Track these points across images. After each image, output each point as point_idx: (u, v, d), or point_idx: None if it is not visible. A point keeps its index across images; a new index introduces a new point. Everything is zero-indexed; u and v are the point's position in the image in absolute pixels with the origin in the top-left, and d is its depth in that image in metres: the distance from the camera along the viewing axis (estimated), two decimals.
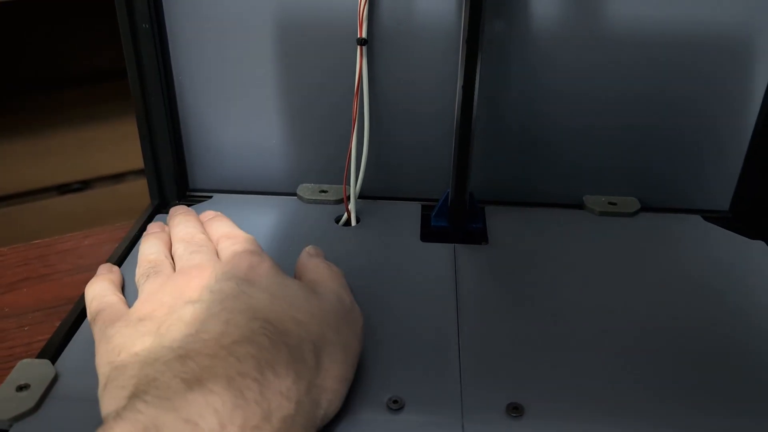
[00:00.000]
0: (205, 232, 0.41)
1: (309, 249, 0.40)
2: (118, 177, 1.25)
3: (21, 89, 1.18)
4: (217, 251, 0.38)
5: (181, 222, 0.42)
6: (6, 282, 0.50)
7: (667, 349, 0.36)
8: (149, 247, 0.40)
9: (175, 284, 0.34)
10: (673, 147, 0.49)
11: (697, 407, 0.33)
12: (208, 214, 0.44)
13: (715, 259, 0.45)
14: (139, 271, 0.39)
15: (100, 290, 0.38)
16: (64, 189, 1.20)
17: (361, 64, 0.45)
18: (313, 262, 0.38)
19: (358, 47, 0.44)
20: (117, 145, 1.17)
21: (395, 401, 0.32)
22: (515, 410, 0.32)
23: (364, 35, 0.44)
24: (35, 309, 0.47)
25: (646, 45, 0.45)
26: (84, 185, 1.22)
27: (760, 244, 0.46)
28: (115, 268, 0.41)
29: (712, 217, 0.49)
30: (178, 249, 0.39)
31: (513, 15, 0.45)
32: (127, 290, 0.41)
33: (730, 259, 0.45)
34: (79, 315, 0.39)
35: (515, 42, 0.46)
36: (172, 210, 0.45)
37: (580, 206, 0.50)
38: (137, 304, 0.34)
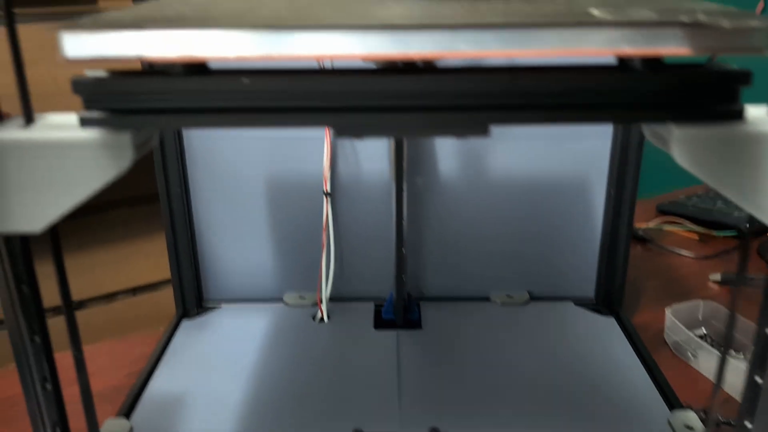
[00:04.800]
0: None
1: None
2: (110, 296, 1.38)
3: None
4: None
5: None
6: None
7: (550, 397, 0.55)
8: None
9: None
10: (550, 253, 0.69)
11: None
12: None
13: (580, 333, 0.64)
14: None
15: None
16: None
17: (327, 208, 0.65)
18: None
19: (324, 197, 0.65)
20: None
21: None
22: None
23: (328, 189, 0.65)
24: None
25: (521, 185, 0.67)
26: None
27: (611, 320, 0.66)
28: None
29: (581, 302, 0.69)
30: None
31: (428, 172, 0.66)
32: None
33: (591, 333, 0.64)
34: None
35: (430, 189, 0.67)
36: None
37: (487, 299, 0.70)
38: None
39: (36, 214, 0.30)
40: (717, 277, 0.79)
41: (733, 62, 0.28)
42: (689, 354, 0.63)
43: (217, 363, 0.60)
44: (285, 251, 0.69)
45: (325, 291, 0.66)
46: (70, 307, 0.34)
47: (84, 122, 0.29)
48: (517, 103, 0.28)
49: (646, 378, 0.57)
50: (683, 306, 0.67)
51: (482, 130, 0.29)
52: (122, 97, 0.29)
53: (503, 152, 0.65)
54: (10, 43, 0.29)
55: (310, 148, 0.64)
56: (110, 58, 0.26)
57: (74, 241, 1.35)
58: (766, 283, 0.33)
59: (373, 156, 0.65)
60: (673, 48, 0.25)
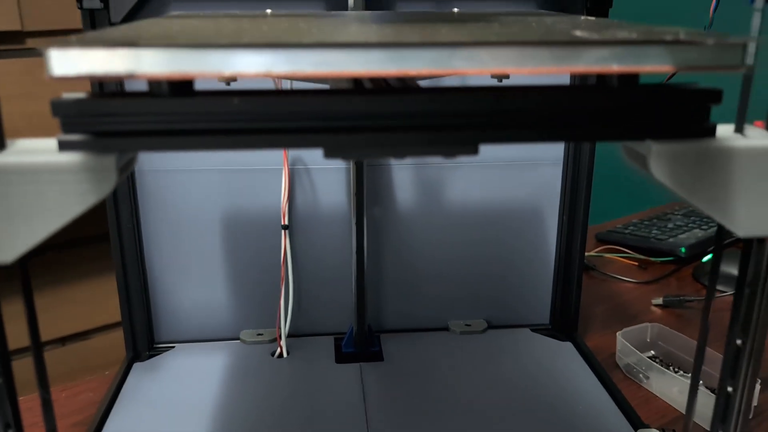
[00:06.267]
0: None
1: None
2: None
3: None
4: None
5: None
6: None
7: (516, 422, 0.55)
8: None
9: None
10: (506, 282, 0.70)
11: None
12: None
13: (539, 358, 0.65)
14: None
15: None
16: None
17: (285, 243, 0.64)
18: None
19: (282, 231, 0.64)
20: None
21: None
22: None
23: (286, 222, 0.64)
24: None
25: (476, 216, 0.68)
26: None
27: (568, 344, 0.67)
28: None
29: (537, 329, 0.70)
30: None
31: (385, 204, 0.66)
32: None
33: (549, 358, 0.65)
34: None
35: (388, 221, 0.67)
36: None
37: (446, 329, 0.70)
38: None
39: (7, 244, 0.28)
40: (659, 300, 0.82)
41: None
42: (641, 375, 0.65)
43: (174, 407, 0.57)
44: (241, 287, 0.67)
45: (284, 326, 0.65)
46: (38, 341, 0.32)
47: (64, 146, 0.28)
48: (505, 122, 0.29)
49: (608, 399, 0.58)
50: (632, 329, 0.69)
51: (472, 150, 0.29)
52: (106, 118, 0.28)
53: (458, 181, 0.66)
54: None
55: (266, 181, 0.64)
56: (100, 76, 0.25)
57: (11, 286, 1.27)
58: (734, 296, 0.34)
59: (330, 188, 0.65)
60: (658, 65, 0.26)
